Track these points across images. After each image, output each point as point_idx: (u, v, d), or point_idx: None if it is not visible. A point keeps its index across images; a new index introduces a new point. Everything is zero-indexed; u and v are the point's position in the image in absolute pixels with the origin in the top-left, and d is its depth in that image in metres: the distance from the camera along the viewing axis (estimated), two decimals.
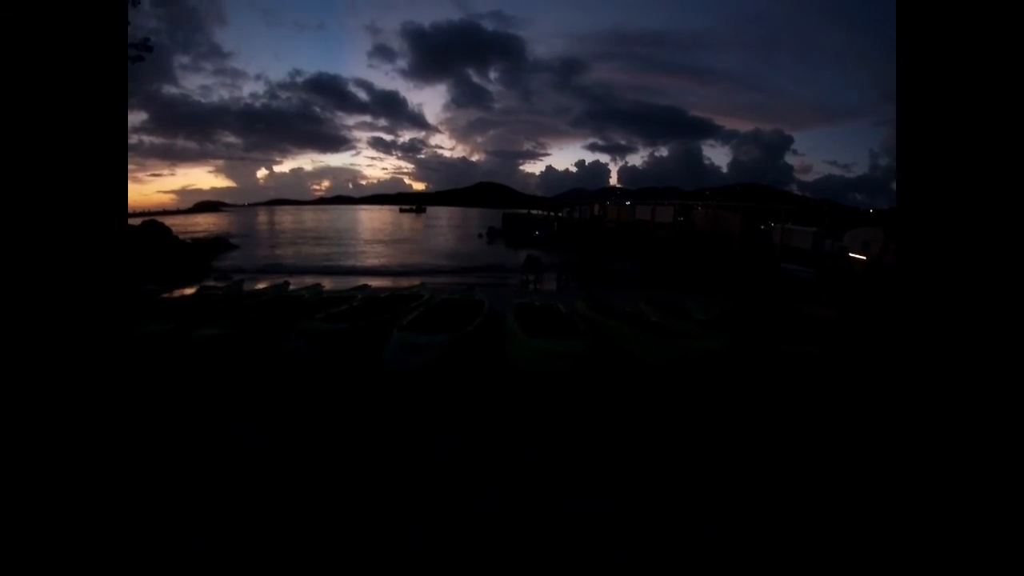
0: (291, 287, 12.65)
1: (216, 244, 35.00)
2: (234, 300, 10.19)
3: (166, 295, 11.62)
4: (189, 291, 12.25)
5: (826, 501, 4.24)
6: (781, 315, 10.23)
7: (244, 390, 6.20)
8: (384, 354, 6.46)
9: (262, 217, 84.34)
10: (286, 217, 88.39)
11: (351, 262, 28.48)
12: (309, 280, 15.63)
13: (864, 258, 17.62)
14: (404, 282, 16.70)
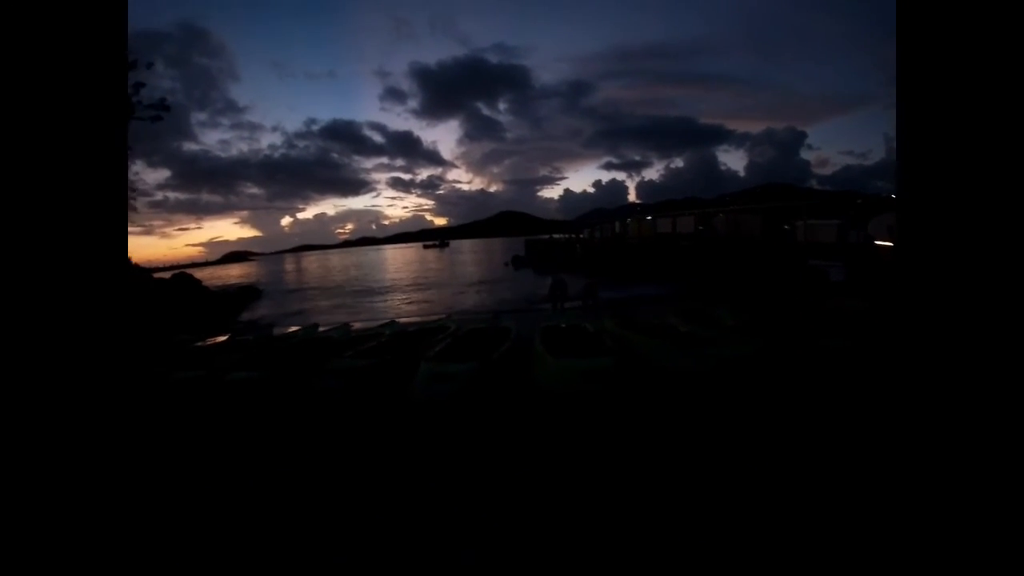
0: (320, 329, 12.81)
1: (245, 293, 35.50)
2: (265, 345, 10.32)
3: (198, 344, 11.80)
4: (220, 339, 12.43)
5: (860, 495, 4.17)
6: (812, 311, 10.09)
7: (277, 430, 6.26)
8: (413, 385, 6.52)
9: (289, 264, 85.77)
10: (312, 263, 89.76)
11: (378, 303, 28.68)
12: (338, 322, 15.82)
13: (891, 244, 17.22)
14: (432, 317, 16.80)
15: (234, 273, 52.20)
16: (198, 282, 28.28)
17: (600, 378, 6.26)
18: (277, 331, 13.44)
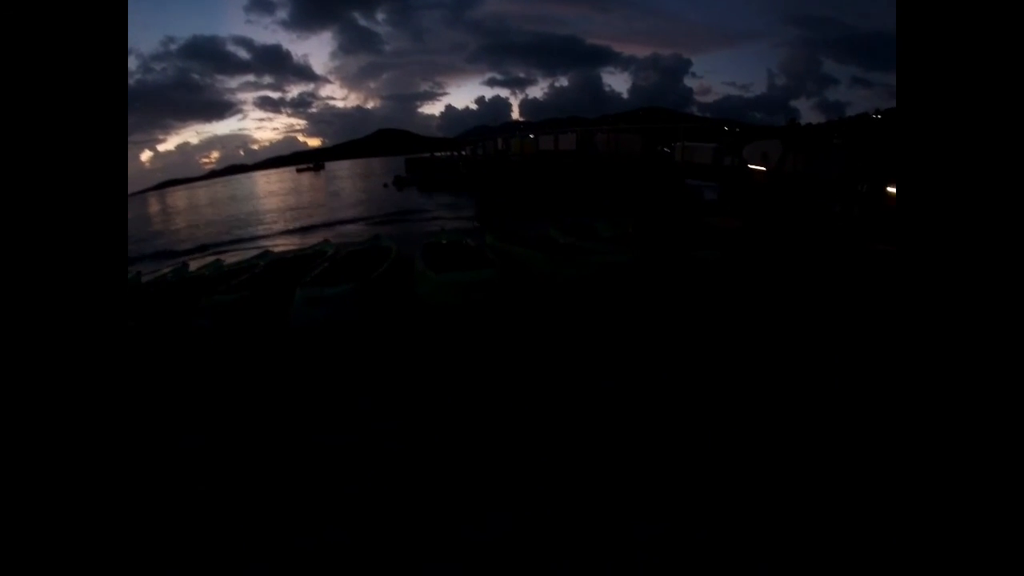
0: (191, 269, 12.09)
1: None
2: (134, 292, 9.62)
3: None
4: None
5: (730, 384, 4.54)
6: (687, 227, 10.66)
7: (152, 378, 5.90)
8: (290, 312, 6.34)
9: (153, 205, 78.94)
10: (179, 199, 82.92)
11: (252, 235, 26.95)
12: (210, 259, 14.92)
13: (764, 168, 18.25)
14: (310, 243, 16.27)
15: None
16: None
17: (482, 289, 6.35)
18: (145, 278, 12.50)
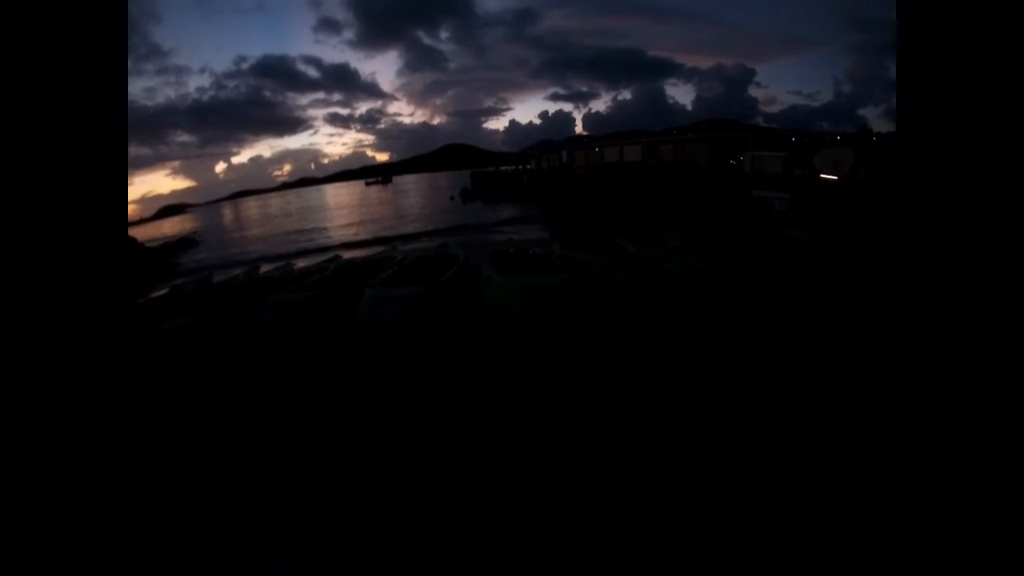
0: (263, 270, 12.50)
1: (183, 244, 34.26)
2: (204, 291, 9.98)
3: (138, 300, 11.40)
4: (161, 292, 11.97)
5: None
6: (758, 236, 10.32)
7: (218, 372, 6.05)
8: (359, 311, 6.40)
9: (227, 213, 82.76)
10: (251, 209, 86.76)
11: (323, 242, 27.69)
12: (281, 263, 15.38)
13: (836, 178, 17.52)
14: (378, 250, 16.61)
15: (171, 228, 50.10)
16: (133, 240, 27.26)
17: (547, 293, 6.24)
18: (218, 278, 13.01)
